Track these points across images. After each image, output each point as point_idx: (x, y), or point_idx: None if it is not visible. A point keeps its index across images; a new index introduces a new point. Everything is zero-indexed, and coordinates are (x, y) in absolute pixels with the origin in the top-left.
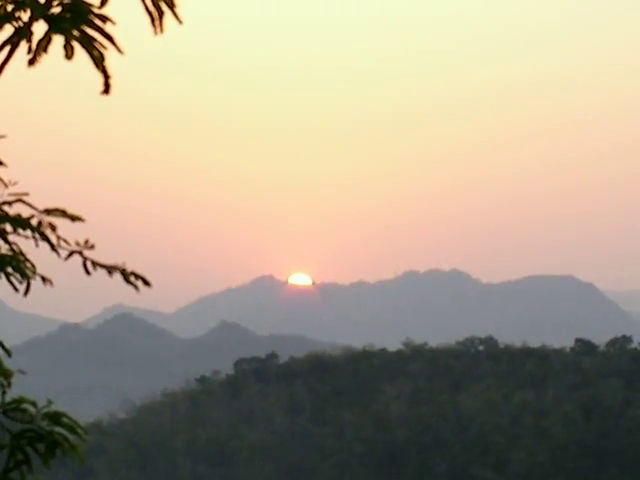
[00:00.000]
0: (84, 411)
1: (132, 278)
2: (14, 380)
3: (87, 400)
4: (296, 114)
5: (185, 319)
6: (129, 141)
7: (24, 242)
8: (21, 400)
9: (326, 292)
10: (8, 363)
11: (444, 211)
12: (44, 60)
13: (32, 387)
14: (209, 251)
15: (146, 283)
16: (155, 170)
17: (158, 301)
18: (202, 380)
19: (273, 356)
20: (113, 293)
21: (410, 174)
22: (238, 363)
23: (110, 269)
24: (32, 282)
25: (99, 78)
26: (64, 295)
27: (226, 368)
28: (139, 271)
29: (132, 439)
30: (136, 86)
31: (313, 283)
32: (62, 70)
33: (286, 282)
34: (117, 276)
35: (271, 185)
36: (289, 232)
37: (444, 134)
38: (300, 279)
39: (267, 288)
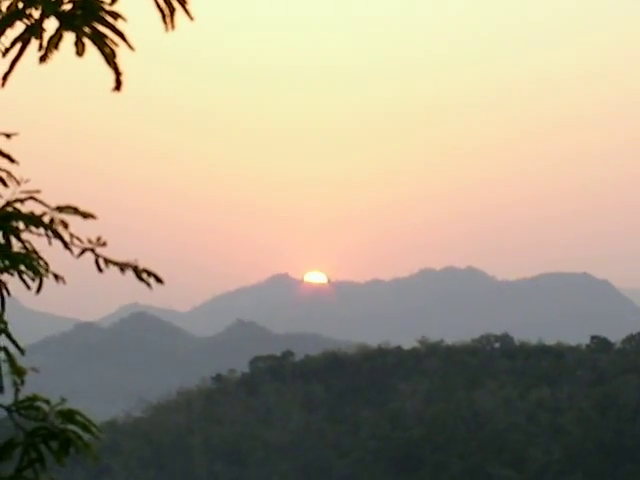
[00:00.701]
0: (100, 410)
1: (144, 275)
2: (29, 379)
3: (103, 399)
4: (310, 112)
5: (200, 318)
6: (143, 139)
7: (37, 240)
8: (34, 398)
9: (341, 290)
10: (22, 362)
11: (459, 208)
12: (55, 57)
13: (47, 386)
14: (224, 250)
15: (158, 280)
16: (169, 168)
17: (173, 300)
18: (218, 378)
19: (289, 354)
20: (128, 292)
21: (426, 171)
22: (254, 361)
23: (122, 266)
24: (47, 281)
25: (110, 75)
26: (79, 294)
27: (242, 366)
28: (153, 269)
29: (148, 438)
30: (150, 84)
31: (328, 281)
32: (73, 67)
33: (301, 280)
34: (132, 275)
35: (286, 183)
36: (304, 230)
37: (459, 131)
38: (315, 277)
39: (282, 286)
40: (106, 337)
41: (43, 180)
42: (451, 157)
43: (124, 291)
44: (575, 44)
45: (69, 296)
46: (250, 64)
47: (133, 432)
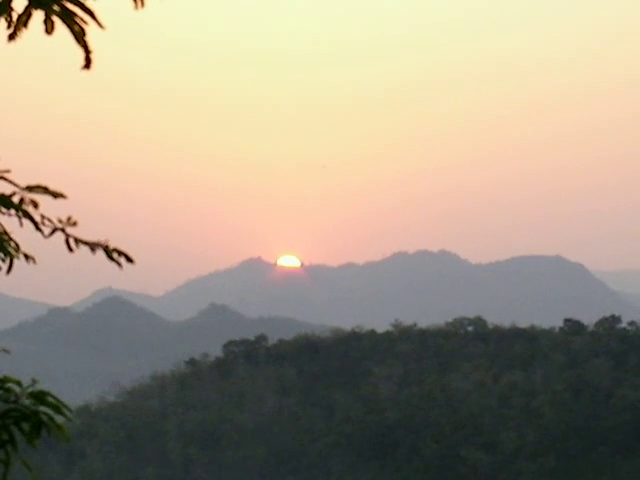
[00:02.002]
0: (74, 394)
1: (115, 255)
2: (2, 364)
3: (77, 384)
4: (284, 95)
5: (174, 302)
6: (113, 119)
7: (9, 223)
8: (5, 379)
9: (315, 274)
10: None
11: (433, 193)
12: (25, 35)
13: (21, 371)
14: (197, 234)
15: (129, 260)
16: (141, 151)
17: (147, 284)
18: (191, 363)
19: (262, 338)
20: (102, 276)
21: (399, 156)
22: (227, 345)
23: (93, 246)
24: (21, 266)
25: (80, 53)
26: (53, 279)
27: (215, 351)
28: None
29: (122, 422)
30: (120, 63)
31: (302, 265)
32: (44, 46)
33: (275, 264)
34: (106, 261)
35: (259, 167)
36: (277, 214)
37: (432, 116)
38: (289, 261)
39: (255, 270)
40: (80, 322)
41: (12, 160)
42: (424, 142)
43: (98, 276)
44: (545, 26)
45: (43, 281)
46: (226, 43)
47: (107, 417)
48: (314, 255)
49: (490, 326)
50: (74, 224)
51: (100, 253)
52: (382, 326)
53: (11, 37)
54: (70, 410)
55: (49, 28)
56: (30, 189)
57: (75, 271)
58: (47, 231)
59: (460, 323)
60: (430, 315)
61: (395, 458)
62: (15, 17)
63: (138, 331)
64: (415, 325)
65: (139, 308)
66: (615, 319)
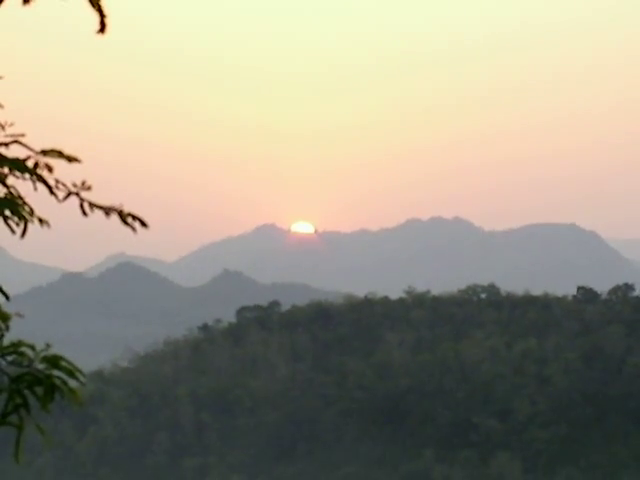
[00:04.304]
0: (86, 359)
1: (129, 219)
2: (16, 329)
3: (90, 348)
4: (299, 62)
5: (187, 268)
6: (127, 88)
7: (23, 187)
8: (19, 344)
9: (328, 240)
10: (9, 311)
11: (447, 160)
12: (40, 1)
13: (34, 336)
14: (210, 199)
15: (143, 224)
16: (156, 121)
17: (160, 250)
18: (204, 328)
19: (275, 304)
20: (115, 242)
21: (415, 123)
22: (240, 311)
23: (107, 210)
24: (35, 231)
25: (95, 18)
26: (66, 244)
27: (228, 316)
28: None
29: (135, 388)
30: (138, 34)
31: (315, 231)
32: (60, 12)
33: (288, 230)
34: (119, 226)
35: (273, 134)
36: (291, 180)
37: (449, 86)
38: (302, 227)
39: (269, 236)
40: (93, 287)
41: (25, 126)
42: (441, 111)
43: (111, 241)
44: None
45: (57, 246)
46: (241, 10)
47: (120, 382)
48: (328, 221)
49: (503, 294)
50: (89, 188)
51: (114, 219)
52: (395, 293)
53: (26, 1)
54: (84, 375)
55: None
56: (45, 153)
57: (88, 237)
58: (61, 195)
59: (473, 290)
60: (443, 282)
61: (408, 425)
62: None
63: (151, 296)
64: (428, 292)
65: (152, 273)
66: (628, 287)
